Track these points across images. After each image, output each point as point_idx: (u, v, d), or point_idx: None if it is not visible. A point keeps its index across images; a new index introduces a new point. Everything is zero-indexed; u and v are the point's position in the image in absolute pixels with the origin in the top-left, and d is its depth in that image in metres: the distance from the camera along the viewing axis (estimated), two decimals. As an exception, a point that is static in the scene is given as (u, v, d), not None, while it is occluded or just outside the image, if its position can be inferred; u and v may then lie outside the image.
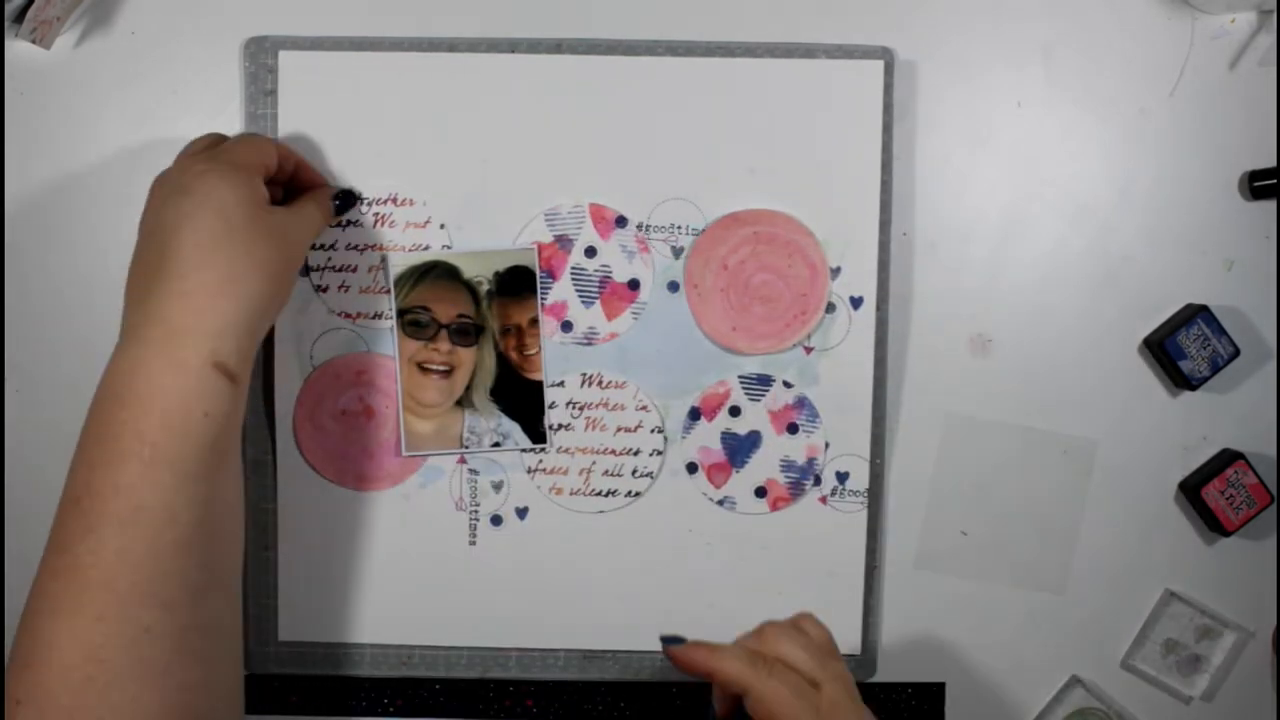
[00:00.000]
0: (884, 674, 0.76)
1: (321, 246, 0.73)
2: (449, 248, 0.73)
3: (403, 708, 0.75)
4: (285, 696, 0.75)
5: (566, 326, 0.73)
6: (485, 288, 0.73)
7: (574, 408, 0.74)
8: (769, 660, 0.59)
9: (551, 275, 0.73)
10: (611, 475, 0.74)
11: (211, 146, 0.66)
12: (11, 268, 0.73)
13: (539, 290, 0.73)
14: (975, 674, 0.76)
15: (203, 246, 0.59)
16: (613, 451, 0.74)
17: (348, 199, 0.71)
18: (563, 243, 0.73)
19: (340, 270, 0.73)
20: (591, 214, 0.73)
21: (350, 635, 0.74)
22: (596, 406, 0.74)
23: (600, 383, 0.74)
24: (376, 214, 0.73)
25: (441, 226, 0.73)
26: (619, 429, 0.74)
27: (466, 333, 0.73)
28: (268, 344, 0.73)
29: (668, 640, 0.61)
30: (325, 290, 0.73)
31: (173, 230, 0.60)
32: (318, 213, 0.69)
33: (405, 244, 0.73)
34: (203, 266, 0.59)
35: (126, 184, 0.73)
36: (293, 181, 0.70)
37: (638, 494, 0.74)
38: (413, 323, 0.73)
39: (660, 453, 0.74)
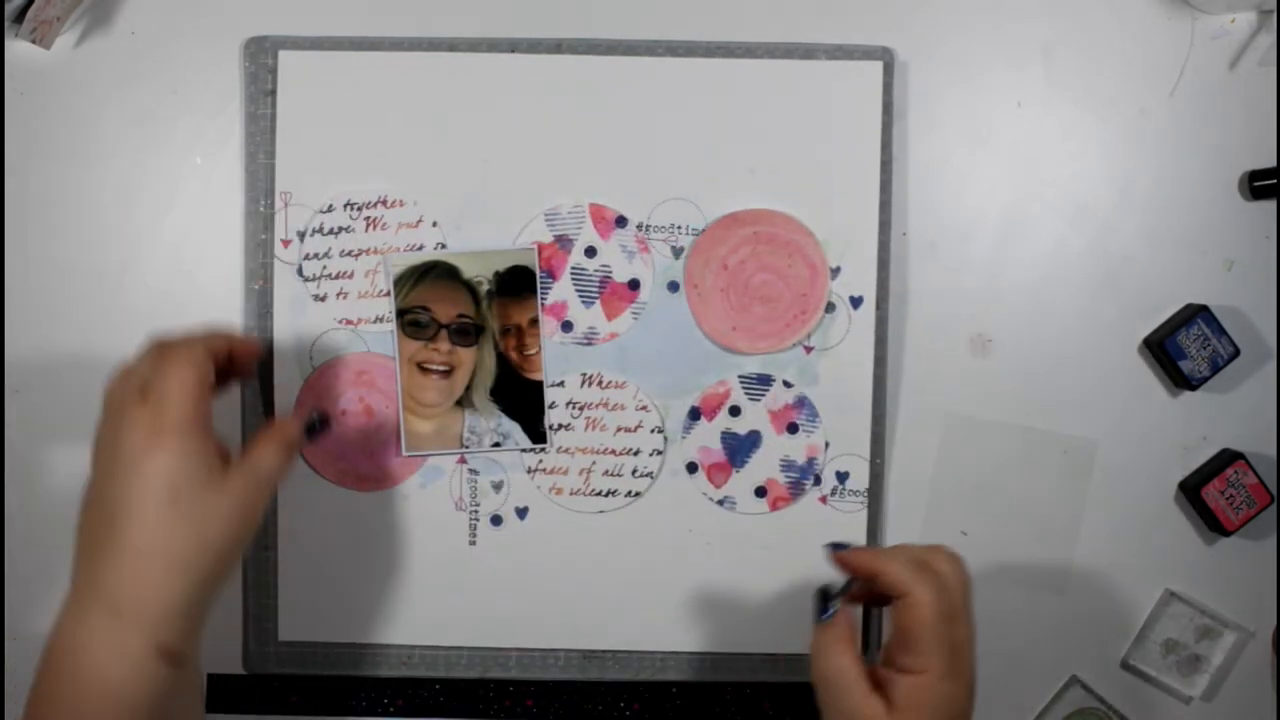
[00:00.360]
0: (884, 674, 0.76)
1: (315, 256, 0.73)
2: (444, 246, 0.73)
3: (403, 708, 0.75)
4: (285, 696, 0.75)
5: (567, 326, 0.73)
6: (485, 288, 0.73)
7: (574, 408, 0.74)
8: (932, 572, 0.59)
9: (551, 275, 0.73)
10: (612, 475, 0.74)
11: (149, 371, 0.60)
12: (11, 267, 0.73)
13: (539, 290, 0.73)
14: (975, 674, 0.76)
15: (150, 528, 0.57)
16: (613, 451, 0.74)
17: (318, 425, 0.68)
18: (563, 243, 0.73)
19: (337, 278, 0.73)
20: (591, 214, 0.73)
21: (350, 635, 0.74)
22: (596, 406, 0.74)
23: (600, 383, 0.74)
24: (368, 217, 0.73)
25: (434, 225, 0.73)
26: (619, 429, 0.74)
27: (466, 333, 0.73)
28: (267, 345, 0.73)
29: (835, 546, 0.63)
30: (324, 299, 0.73)
31: (120, 504, 0.57)
32: (278, 457, 0.62)
33: (400, 245, 0.73)
34: (151, 551, 0.57)
35: (126, 184, 0.73)
36: (233, 365, 0.65)
37: (638, 494, 0.74)
38: (412, 323, 0.73)
39: (660, 452, 0.74)
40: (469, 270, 0.73)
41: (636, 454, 0.74)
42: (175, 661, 0.57)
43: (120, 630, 0.57)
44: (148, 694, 0.57)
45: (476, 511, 0.74)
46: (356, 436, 0.73)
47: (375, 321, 0.73)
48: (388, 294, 0.73)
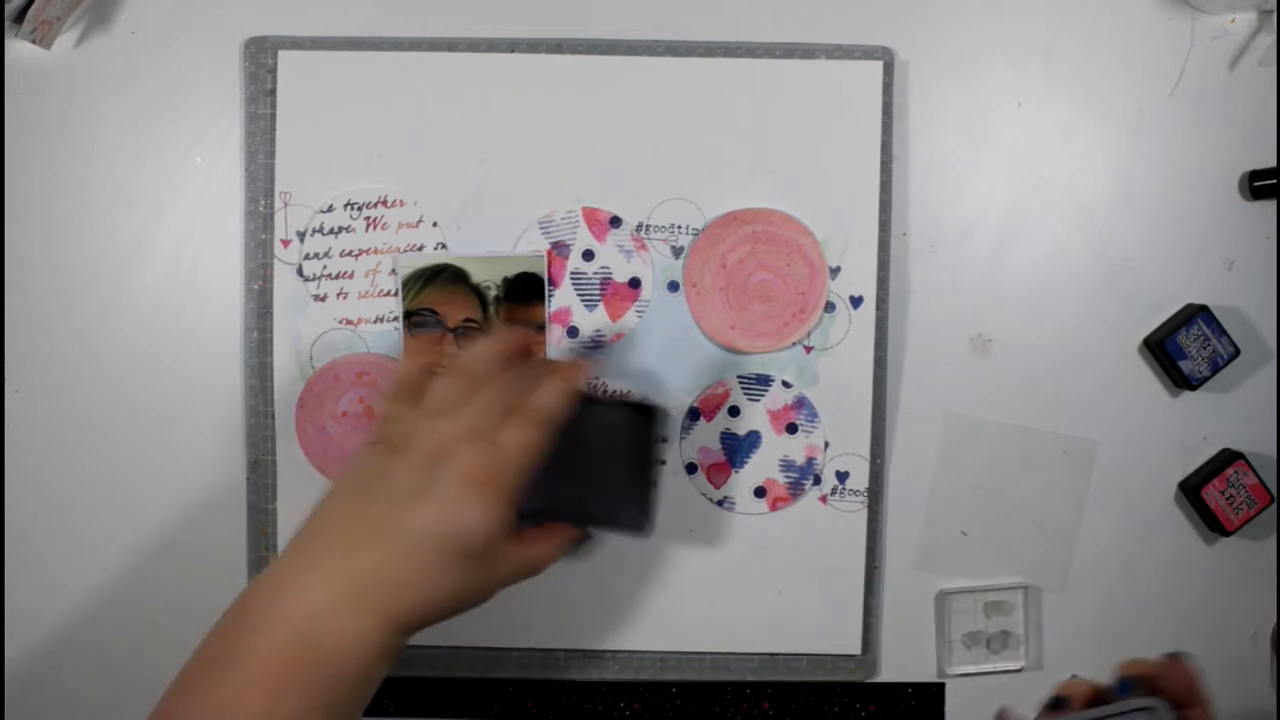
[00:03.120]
0: (884, 674, 0.76)
1: (315, 256, 0.73)
2: (444, 246, 0.73)
3: (403, 708, 0.75)
4: (285, 696, 0.75)
5: (572, 332, 0.73)
6: (493, 293, 0.73)
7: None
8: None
9: (553, 283, 0.73)
10: (613, 479, 0.74)
11: (495, 416, 0.58)
12: (11, 267, 0.73)
13: (546, 297, 0.73)
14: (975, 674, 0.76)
15: (429, 575, 0.56)
16: (614, 455, 0.74)
17: (585, 546, 0.63)
18: (560, 249, 0.73)
19: (337, 278, 0.73)
20: (585, 217, 0.73)
21: (350, 635, 0.74)
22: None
23: (604, 390, 0.74)
24: (369, 217, 0.73)
25: (434, 225, 0.73)
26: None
27: (473, 337, 0.72)
28: (267, 345, 0.73)
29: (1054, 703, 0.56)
30: (324, 299, 0.73)
31: (411, 531, 0.56)
32: (549, 554, 0.61)
33: (400, 244, 0.73)
34: (419, 589, 0.56)
35: (126, 184, 0.73)
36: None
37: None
38: (419, 325, 0.73)
39: (662, 461, 0.74)
40: (477, 274, 0.73)
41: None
42: (395, 660, 0.57)
43: (371, 625, 0.55)
44: (370, 682, 0.56)
45: (476, 511, 0.74)
46: (358, 436, 0.73)
47: (375, 322, 0.73)
48: (389, 294, 0.73)
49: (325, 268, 0.73)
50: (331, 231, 0.73)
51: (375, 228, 0.73)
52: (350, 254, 0.73)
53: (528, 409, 0.58)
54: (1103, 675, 0.76)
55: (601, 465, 0.62)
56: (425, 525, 0.56)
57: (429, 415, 0.58)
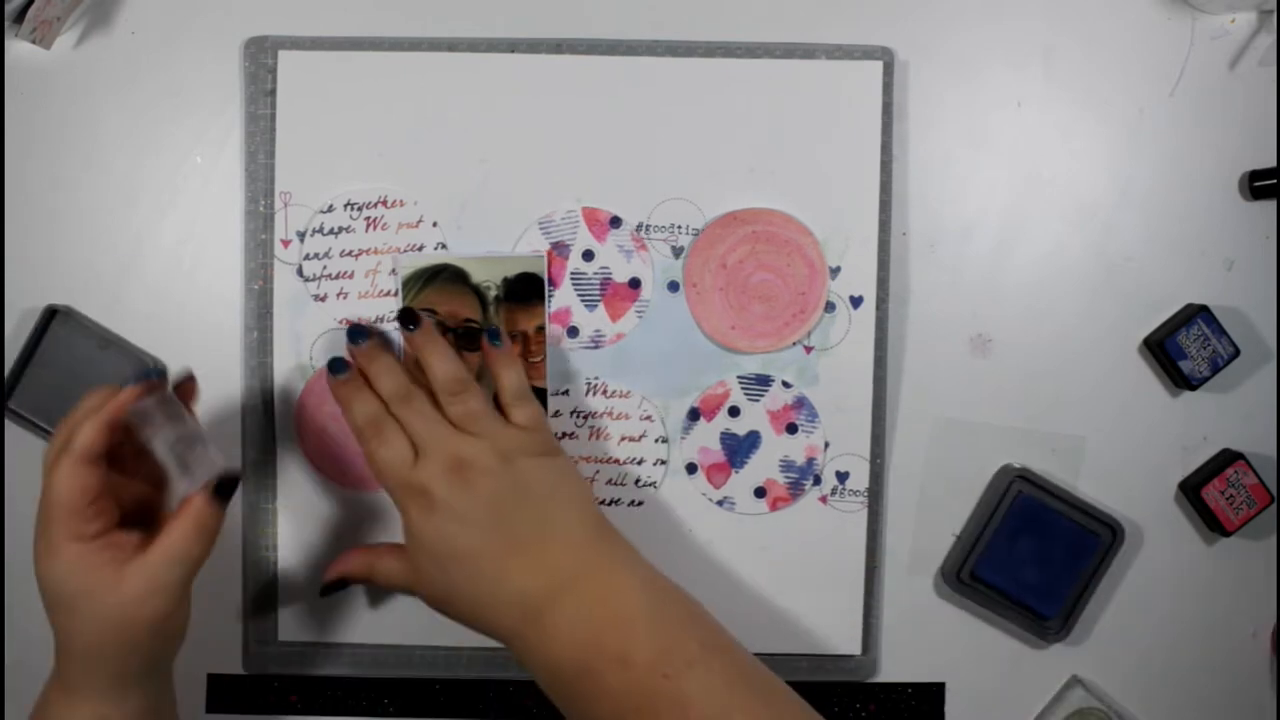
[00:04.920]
0: (884, 674, 0.76)
1: (316, 256, 0.73)
2: (444, 246, 0.73)
3: (403, 708, 0.75)
4: (285, 696, 0.75)
5: (572, 332, 0.73)
6: (493, 293, 0.73)
7: (578, 416, 0.74)
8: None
9: (553, 283, 0.73)
10: (615, 484, 0.74)
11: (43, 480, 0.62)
12: (11, 267, 0.73)
13: (547, 298, 0.73)
14: (975, 674, 0.76)
15: (68, 636, 0.61)
16: (616, 461, 0.74)
17: (226, 486, 0.63)
18: (560, 249, 0.73)
19: (337, 278, 0.73)
20: (585, 217, 0.73)
21: (350, 635, 0.74)
22: (601, 415, 0.74)
23: (605, 392, 0.74)
24: (368, 217, 0.73)
25: (434, 225, 0.73)
26: (623, 438, 0.74)
27: (473, 337, 0.72)
28: (267, 345, 0.73)
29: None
30: (324, 299, 0.73)
31: (46, 608, 0.62)
32: (193, 536, 0.61)
33: (400, 245, 0.73)
34: (74, 652, 0.61)
35: (126, 184, 0.73)
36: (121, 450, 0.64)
37: (640, 503, 0.74)
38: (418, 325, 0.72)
39: (664, 462, 0.74)
40: (478, 275, 0.72)
41: (640, 463, 0.74)
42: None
43: (68, 703, 0.62)
44: None
45: (476, 512, 0.74)
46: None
47: (375, 322, 0.73)
48: (388, 294, 0.73)
49: (325, 268, 0.73)
50: (331, 232, 0.73)
51: (375, 228, 0.73)
52: (350, 254, 0.73)
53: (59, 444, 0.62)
54: (1103, 674, 0.76)
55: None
56: (44, 600, 0.61)
57: None
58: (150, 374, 0.62)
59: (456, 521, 0.62)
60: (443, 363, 0.66)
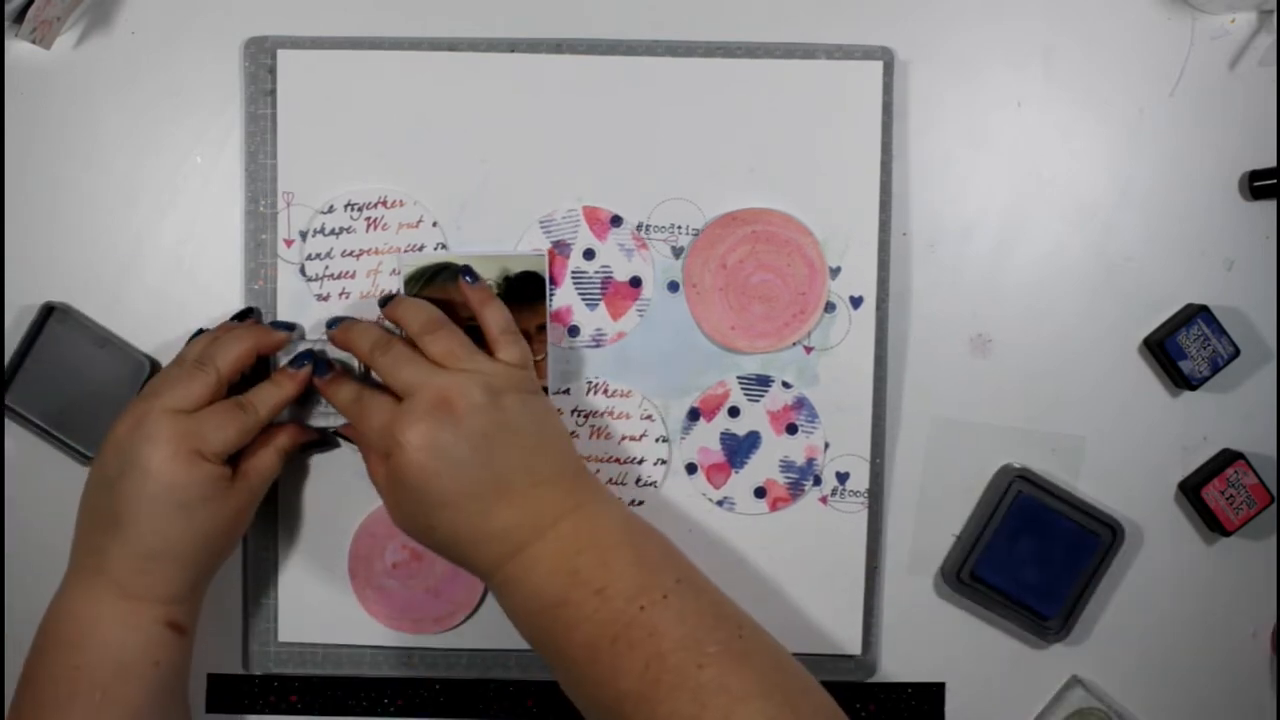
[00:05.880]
0: (884, 674, 0.76)
1: (318, 256, 0.73)
2: (444, 246, 0.73)
3: (403, 708, 0.75)
4: (285, 696, 0.75)
5: (573, 331, 0.73)
6: (495, 292, 0.73)
7: (579, 415, 0.74)
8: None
9: (554, 282, 0.73)
10: (616, 484, 0.74)
11: (184, 388, 0.65)
12: (12, 267, 0.73)
13: (548, 297, 0.73)
14: (975, 674, 0.76)
15: (158, 524, 0.63)
16: (617, 460, 0.74)
17: (322, 444, 0.73)
18: (561, 248, 0.73)
19: (339, 278, 0.73)
20: (586, 216, 0.73)
21: (350, 635, 0.74)
22: (602, 415, 0.74)
23: (606, 391, 0.74)
24: (369, 218, 0.73)
25: (435, 225, 0.73)
26: (624, 438, 0.74)
27: (474, 336, 0.72)
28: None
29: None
30: (326, 299, 0.73)
31: (131, 500, 0.62)
32: (274, 463, 0.68)
33: (400, 245, 0.73)
34: (158, 543, 0.63)
35: (126, 184, 0.73)
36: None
37: (640, 503, 0.74)
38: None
39: (664, 462, 0.74)
40: (479, 273, 0.72)
41: (640, 463, 0.74)
42: (181, 632, 0.64)
43: (130, 607, 0.63)
44: (159, 662, 0.63)
45: (476, 512, 0.74)
46: (416, 582, 0.74)
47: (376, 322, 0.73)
48: (391, 295, 0.73)
49: (327, 268, 0.73)
50: (333, 232, 0.73)
51: (375, 228, 0.73)
52: (351, 254, 0.73)
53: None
54: (1103, 674, 0.76)
55: None
56: (137, 496, 0.62)
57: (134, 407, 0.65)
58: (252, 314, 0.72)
59: (441, 459, 0.61)
60: (417, 309, 0.67)
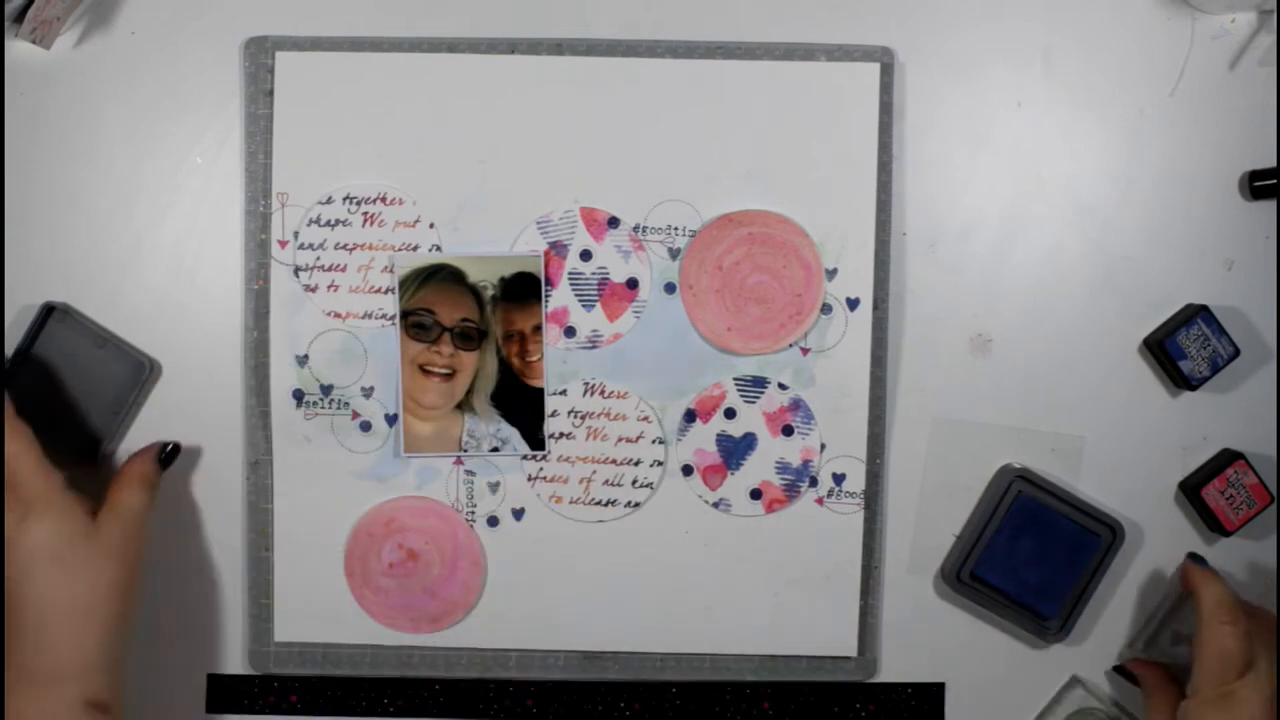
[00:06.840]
0: (884, 674, 0.76)
1: (310, 246, 0.73)
2: (438, 248, 0.73)
3: (403, 708, 0.75)
4: (285, 696, 0.75)
5: (570, 332, 0.73)
6: (490, 293, 0.73)
7: (575, 416, 0.74)
8: None
9: (550, 283, 0.73)
10: (612, 485, 0.74)
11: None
12: (12, 267, 0.73)
13: (544, 298, 0.73)
14: (975, 674, 0.76)
15: (46, 591, 0.62)
16: (613, 461, 0.74)
17: (171, 455, 0.72)
18: (557, 249, 0.73)
19: (329, 270, 0.73)
20: (583, 217, 0.73)
21: (350, 635, 0.74)
22: (598, 416, 0.74)
23: (602, 392, 0.74)
24: (365, 213, 0.73)
25: (431, 226, 0.73)
26: (620, 439, 0.74)
27: (469, 337, 0.73)
28: (266, 345, 0.73)
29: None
30: (314, 290, 0.73)
31: (14, 581, 0.63)
32: (141, 495, 0.68)
33: (395, 243, 0.73)
34: (53, 612, 0.62)
35: (126, 184, 0.73)
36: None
37: (637, 504, 0.74)
38: (416, 324, 0.73)
39: (661, 463, 0.74)
40: (474, 274, 0.73)
41: (637, 464, 0.74)
42: (105, 711, 0.63)
43: (44, 695, 0.62)
44: None
45: (473, 513, 0.74)
46: (412, 580, 0.74)
47: (364, 317, 0.73)
48: (379, 291, 0.73)
49: (318, 259, 0.73)
50: (328, 224, 0.73)
51: (372, 224, 0.73)
52: (344, 247, 0.73)
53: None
54: (1103, 674, 0.76)
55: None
56: (14, 571, 0.62)
57: None
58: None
59: None
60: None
